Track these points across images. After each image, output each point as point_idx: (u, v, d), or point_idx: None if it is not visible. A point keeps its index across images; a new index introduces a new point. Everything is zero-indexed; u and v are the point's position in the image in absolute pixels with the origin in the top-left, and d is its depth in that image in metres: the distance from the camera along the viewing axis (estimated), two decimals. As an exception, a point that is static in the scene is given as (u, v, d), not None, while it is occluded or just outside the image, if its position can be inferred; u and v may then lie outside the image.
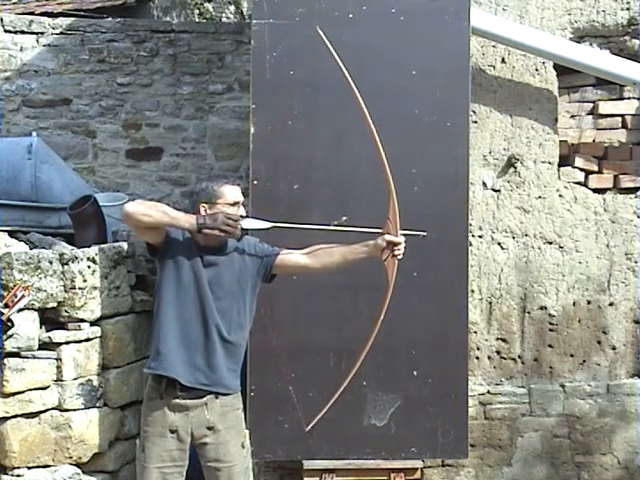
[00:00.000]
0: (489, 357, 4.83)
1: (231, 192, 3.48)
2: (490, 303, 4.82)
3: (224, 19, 7.86)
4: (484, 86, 4.78)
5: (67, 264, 4.10)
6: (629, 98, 4.91)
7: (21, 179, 5.05)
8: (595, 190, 4.88)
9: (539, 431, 4.84)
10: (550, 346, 4.85)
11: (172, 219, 3.36)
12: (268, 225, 3.49)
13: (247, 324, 3.58)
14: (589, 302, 4.85)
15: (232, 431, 3.53)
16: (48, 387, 4.03)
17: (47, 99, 6.19)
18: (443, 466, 4.79)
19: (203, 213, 3.45)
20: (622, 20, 4.85)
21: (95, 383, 4.18)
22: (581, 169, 4.89)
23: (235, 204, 3.48)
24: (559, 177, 4.84)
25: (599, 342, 4.87)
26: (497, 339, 4.83)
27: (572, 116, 4.96)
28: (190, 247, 3.49)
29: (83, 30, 6.20)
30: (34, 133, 5.38)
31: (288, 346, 4.25)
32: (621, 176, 4.89)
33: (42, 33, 6.17)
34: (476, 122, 4.74)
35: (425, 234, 3.68)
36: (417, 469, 4.37)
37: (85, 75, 6.19)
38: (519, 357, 4.84)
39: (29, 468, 4.03)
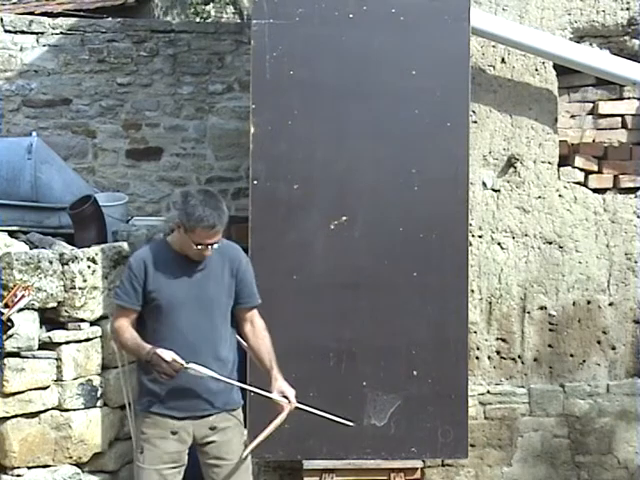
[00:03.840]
0: (489, 357, 4.83)
1: (200, 236, 3.35)
2: (490, 303, 4.82)
3: (223, 19, 7.86)
4: (484, 86, 4.78)
5: (67, 264, 4.10)
6: (629, 98, 4.90)
7: (21, 179, 5.05)
8: (595, 190, 4.88)
9: (539, 431, 4.83)
10: (550, 346, 4.85)
11: (130, 351, 3.51)
12: (213, 376, 3.41)
13: (232, 336, 3.58)
14: (589, 302, 4.85)
15: (235, 429, 3.53)
16: (48, 387, 4.03)
17: (47, 99, 6.20)
18: (443, 466, 4.79)
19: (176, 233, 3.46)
20: (622, 20, 4.84)
21: (95, 383, 4.18)
22: (581, 169, 4.88)
23: (201, 244, 3.39)
24: (559, 177, 4.84)
25: (599, 342, 4.86)
26: (497, 339, 4.83)
27: (572, 116, 4.95)
28: (169, 270, 3.45)
29: (83, 30, 6.20)
30: (34, 133, 5.39)
31: (288, 346, 4.24)
32: (621, 176, 4.89)
33: (42, 33, 6.18)
34: (476, 122, 4.74)
35: (352, 425, 3.79)
36: (417, 469, 4.37)
37: (85, 75, 6.19)
38: (519, 357, 4.84)
39: (29, 468, 4.03)
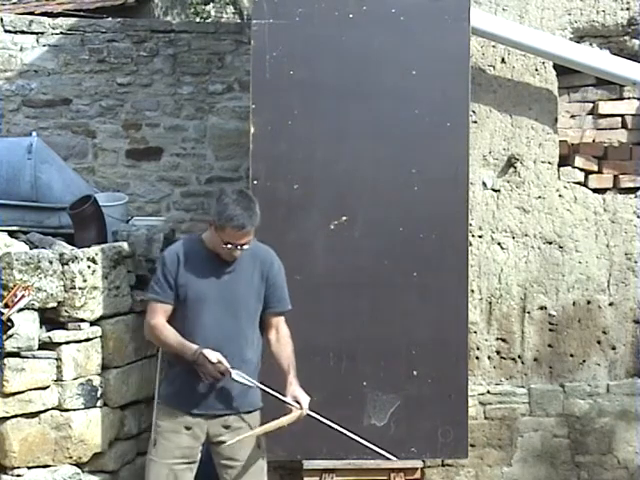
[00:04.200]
0: (489, 357, 4.83)
1: (230, 235, 3.38)
2: (490, 303, 4.82)
3: (223, 19, 7.85)
4: (484, 86, 4.78)
5: (67, 264, 4.10)
6: (629, 98, 4.91)
7: (21, 179, 5.05)
8: (595, 190, 4.88)
9: (539, 431, 4.83)
10: (550, 346, 4.85)
11: (171, 349, 3.49)
12: (253, 384, 3.45)
13: (258, 340, 3.59)
14: (589, 302, 4.85)
15: (249, 430, 3.52)
16: (48, 387, 4.03)
17: (47, 99, 6.19)
18: (443, 466, 4.79)
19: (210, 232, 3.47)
20: (622, 20, 4.84)
21: (95, 383, 4.18)
22: (581, 169, 4.89)
23: (230, 244, 3.41)
24: (559, 177, 4.84)
25: (599, 342, 4.87)
26: (497, 339, 4.83)
27: (572, 116, 4.96)
28: (200, 267, 3.48)
29: (83, 30, 6.19)
30: (34, 133, 5.38)
31: (288, 346, 4.24)
32: (621, 176, 4.89)
33: (42, 33, 6.17)
34: (476, 122, 4.74)
35: (395, 459, 3.87)
36: (417, 469, 4.37)
37: (85, 75, 6.19)
38: (519, 357, 4.84)
39: (29, 468, 4.02)
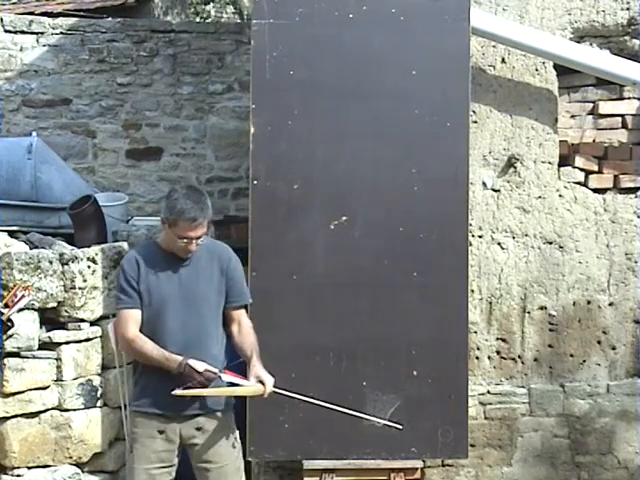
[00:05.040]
0: (489, 357, 4.83)
1: (183, 229, 3.39)
2: (490, 303, 4.82)
3: (223, 19, 7.85)
4: (484, 86, 4.78)
5: (67, 264, 4.10)
6: (629, 98, 4.90)
7: (21, 179, 5.06)
8: (595, 190, 4.87)
9: (539, 431, 4.83)
10: (550, 346, 4.85)
11: (153, 362, 3.41)
12: (249, 383, 3.44)
13: (222, 335, 3.59)
14: (589, 302, 4.85)
15: (222, 431, 3.52)
16: (48, 387, 4.03)
17: (47, 99, 6.20)
18: (443, 466, 4.79)
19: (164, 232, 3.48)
20: (622, 20, 4.84)
21: (95, 383, 4.18)
22: (581, 169, 4.88)
23: (184, 238, 3.42)
24: (559, 177, 4.84)
25: (599, 342, 4.86)
26: (497, 339, 4.83)
27: (572, 116, 4.95)
28: (159, 270, 3.47)
29: (83, 30, 6.20)
30: (34, 133, 5.39)
31: (288, 346, 4.25)
32: (621, 176, 4.89)
33: (42, 33, 6.18)
34: (476, 122, 4.74)
35: (401, 428, 4.02)
36: (417, 469, 4.37)
37: (85, 75, 6.19)
38: (519, 357, 4.84)
39: (29, 468, 4.03)
